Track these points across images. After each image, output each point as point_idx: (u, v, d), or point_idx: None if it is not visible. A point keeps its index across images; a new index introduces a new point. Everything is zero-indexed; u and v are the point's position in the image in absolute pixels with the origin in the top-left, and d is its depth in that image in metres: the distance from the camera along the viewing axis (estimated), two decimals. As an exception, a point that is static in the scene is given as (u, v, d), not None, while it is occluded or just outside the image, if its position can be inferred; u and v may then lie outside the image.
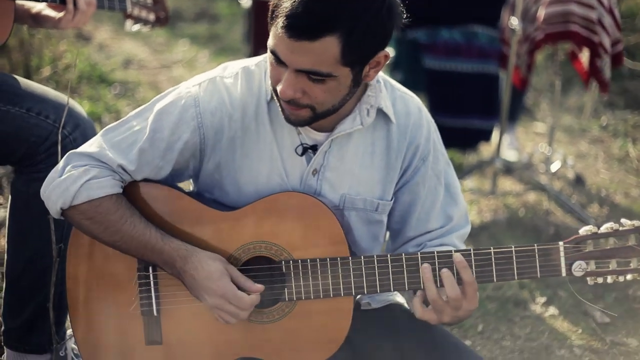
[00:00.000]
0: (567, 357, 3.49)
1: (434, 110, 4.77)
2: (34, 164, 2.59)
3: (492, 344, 3.57)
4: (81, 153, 2.27)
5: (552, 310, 3.81)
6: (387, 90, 2.37)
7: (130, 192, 2.30)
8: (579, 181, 5.19)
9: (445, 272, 2.19)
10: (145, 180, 2.31)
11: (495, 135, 5.05)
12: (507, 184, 5.11)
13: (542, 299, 3.88)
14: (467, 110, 4.82)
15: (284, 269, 2.26)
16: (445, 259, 2.21)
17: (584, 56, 4.85)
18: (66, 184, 2.22)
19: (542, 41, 4.75)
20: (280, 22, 2.04)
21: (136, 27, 3.15)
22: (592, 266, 2.21)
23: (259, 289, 2.21)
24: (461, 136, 4.86)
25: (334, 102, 2.18)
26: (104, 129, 2.31)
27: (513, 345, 3.56)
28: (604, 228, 2.20)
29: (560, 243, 2.19)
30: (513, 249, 2.19)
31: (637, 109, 6.56)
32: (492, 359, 3.47)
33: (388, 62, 2.19)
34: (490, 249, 2.20)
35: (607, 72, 4.71)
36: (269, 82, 2.23)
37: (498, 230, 4.52)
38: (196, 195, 2.36)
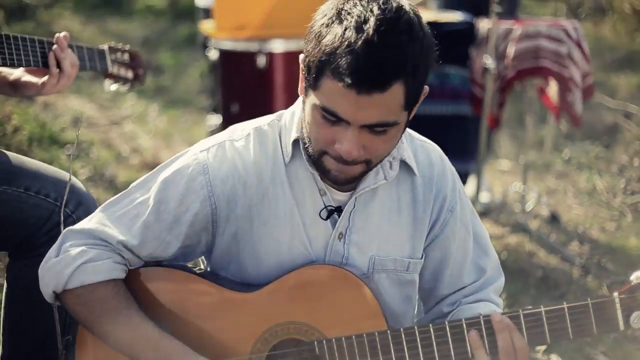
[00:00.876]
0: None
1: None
2: (34, 248, 2.34)
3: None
4: (79, 230, 2.06)
5: (555, 358, 3.67)
6: (407, 140, 2.23)
7: (133, 277, 2.09)
8: (554, 219, 5.10)
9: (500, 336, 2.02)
10: (150, 264, 2.10)
11: (470, 178, 4.94)
12: (486, 226, 4.98)
13: (542, 347, 3.74)
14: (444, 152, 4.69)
15: (317, 351, 2.07)
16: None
17: (552, 90, 4.81)
18: (60, 266, 2.01)
19: (513, 78, 4.69)
20: (342, 77, 1.85)
21: (115, 86, 2.96)
22: (649, 315, 2.07)
23: None
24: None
25: (390, 150, 2.03)
26: (105, 203, 2.10)
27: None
28: (661, 276, 2.07)
29: (615, 294, 2.04)
30: (565, 306, 2.04)
31: (596, 140, 6.55)
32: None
33: None
34: (540, 308, 2.04)
35: (579, 106, 4.67)
36: (289, 141, 2.08)
37: (485, 276, 4.37)
38: (210, 275, 2.15)
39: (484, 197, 5.12)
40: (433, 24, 4.73)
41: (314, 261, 2.14)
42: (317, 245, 2.14)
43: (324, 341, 2.06)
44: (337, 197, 2.15)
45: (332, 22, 1.88)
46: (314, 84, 1.90)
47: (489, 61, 4.53)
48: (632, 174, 5.89)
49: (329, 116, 1.90)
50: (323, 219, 2.13)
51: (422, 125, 4.68)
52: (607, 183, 5.78)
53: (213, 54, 4.57)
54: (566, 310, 2.04)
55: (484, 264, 2.27)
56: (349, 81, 1.83)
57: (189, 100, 6.80)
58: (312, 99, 1.92)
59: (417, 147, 2.25)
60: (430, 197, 2.23)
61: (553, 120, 5.74)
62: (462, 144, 4.74)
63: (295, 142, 2.10)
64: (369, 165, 2.02)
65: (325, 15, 1.91)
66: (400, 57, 1.85)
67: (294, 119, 2.12)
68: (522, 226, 4.84)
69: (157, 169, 2.14)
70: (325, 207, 2.13)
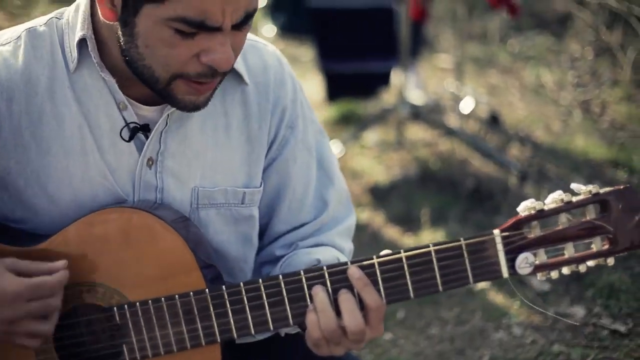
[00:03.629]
0: (505, 341, 2.92)
1: (324, 56, 4.18)
2: None
3: (417, 334, 2.98)
4: None
5: (483, 283, 3.21)
6: None
7: None
8: (494, 120, 4.62)
9: (344, 296, 1.55)
10: None
11: (396, 77, 4.44)
12: (415, 132, 4.50)
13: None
14: (362, 52, 4.23)
15: (117, 318, 1.59)
16: (339, 276, 1.57)
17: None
18: None
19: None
20: None
21: None
22: (541, 257, 1.60)
23: (61, 264, 1.56)
24: (357, 83, 4.28)
25: None
26: None
27: (441, 332, 2.97)
28: (551, 201, 1.58)
29: (496, 232, 1.56)
30: (432, 249, 1.56)
31: (546, 30, 6.04)
32: (419, 353, 2.87)
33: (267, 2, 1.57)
34: (400, 252, 1.56)
35: (516, -8, 4.16)
36: (74, 42, 1.62)
37: (410, 189, 3.93)
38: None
39: (417, 98, 4.62)
40: None
41: (120, 197, 1.66)
42: (120, 175, 1.67)
43: (126, 306, 1.59)
44: (142, 112, 1.67)
45: None
46: None
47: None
48: (584, 67, 5.41)
49: (190, 28, 1.49)
50: (125, 140, 1.65)
51: (338, 21, 4.24)
52: (556, 77, 5.29)
53: None
54: (433, 254, 1.56)
55: (328, 196, 1.81)
56: None
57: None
58: (152, 15, 1.49)
59: (246, 47, 1.75)
60: (266, 109, 1.77)
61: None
62: (385, 39, 4.23)
63: (81, 43, 1.62)
64: (223, 75, 1.59)
65: None
66: None
67: (78, 14, 1.63)
68: (456, 130, 4.36)
69: None
70: (127, 124, 1.65)
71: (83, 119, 1.63)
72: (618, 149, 4.36)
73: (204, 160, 1.71)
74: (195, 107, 1.61)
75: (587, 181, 3.99)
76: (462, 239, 1.57)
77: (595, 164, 4.21)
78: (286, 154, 1.79)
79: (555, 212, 1.59)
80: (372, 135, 4.38)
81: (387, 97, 4.71)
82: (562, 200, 1.59)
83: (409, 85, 4.52)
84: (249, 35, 1.74)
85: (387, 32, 4.27)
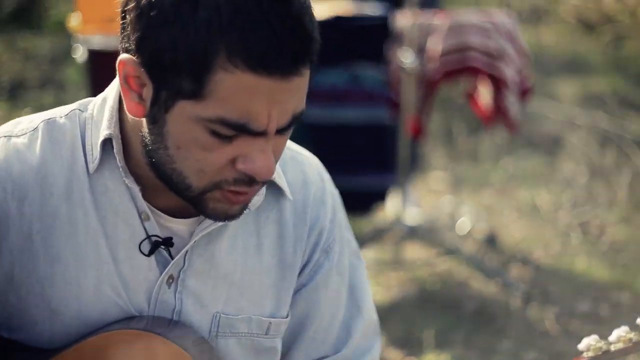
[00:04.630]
0: None
1: (319, 170, 4.01)
2: None
3: None
4: None
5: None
6: None
7: None
8: (491, 240, 4.48)
9: None
10: None
11: (391, 194, 4.33)
12: (412, 251, 4.34)
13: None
14: (357, 168, 4.09)
15: None
16: None
17: (483, 94, 4.23)
18: None
19: (438, 81, 4.08)
20: (257, 60, 1.26)
21: None
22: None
23: None
24: (353, 199, 4.09)
25: None
26: None
27: None
28: (617, 339, 1.41)
29: None
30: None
31: (537, 152, 5.99)
32: None
33: None
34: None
35: (515, 109, 4.08)
36: (98, 140, 1.43)
37: (410, 310, 3.75)
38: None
39: (411, 218, 4.48)
40: (342, 18, 4.26)
41: (133, 315, 1.46)
42: (135, 291, 1.47)
43: None
44: (166, 224, 1.48)
45: None
46: (194, 90, 1.27)
47: (405, 59, 3.90)
48: (580, 188, 5.32)
49: (230, 131, 1.29)
50: (145, 254, 1.45)
51: (331, 134, 4.14)
52: (552, 198, 5.19)
53: (81, 55, 3.84)
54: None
55: (354, 328, 1.62)
56: (269, 62, 1.25)
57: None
58: (187, 113, 1.29)
59: (286, 158, 1.58)
60: (303, 230, 1.58)
61: (494, 129, 5.17)
62: (380, 155, 4.12)
63: (106, 143, 1.43)
64: (263, 183, 1.41)
65: None
66: (310, 18, 1.29)
67: (104, 108, 1.45)
68: (455, 249, 4.22)
69: None
70: (148, 236, 1.45)
71: (100, 225, 1.44)
72: (621, 270, 4.23)
73: (231, 283, 1.52)
74: (228, 217, 1.41)
75: (594, 304, 3.85)
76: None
77: (599, 286, 4.07)
78: (318, 280, 1.60)
79: (624, 353, 1.42)
80: (368, 254, 4.22)
81: (382, 215, 4.58)
82: (630, 339, 1.42)
83: (405, 203, 4.40)
84: (289, 144, 1.57)
85: (382, 148, 4.17)
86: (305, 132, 4.05)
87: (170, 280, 1.48)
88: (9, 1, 9.24)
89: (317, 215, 1.58)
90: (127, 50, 1.33)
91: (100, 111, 1.46)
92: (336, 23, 4.05)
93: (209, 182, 1.34)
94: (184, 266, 1.48)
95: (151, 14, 1.28)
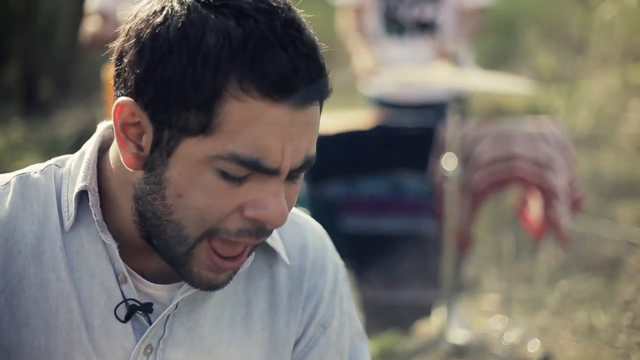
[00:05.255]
0: None
1: (359, 285, 3.87)
2: None
3: None
4: None
5: None
6: None
7: None
8: (546, 361, 4.24)
9: None
10: None
11: (437, 310, 4.14)
12: (461, 373, 4.11)
13: None
14: (400, 282, 3.93)
15: None
16: None
17: (533, 208, 4.07)
18: None
19: (485, 191, 3.94)
20: (273, 86, 1.17)
21: None
22: None
23: None
24: (395, 314, 3.96)
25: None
26: None
27: None
28: None
29: None
30: None
31: (595, 274, 5.74)
32: None
33: None
34: None
35: (566, 221, 3.91)
36: (72, 195, 1.33)
37: None
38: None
39: (457, 335, 4.27)
40: (384, 127, 4.19)
41: None
42: None
43: None
44: (146, 289, 1.36)
45: (198, 15, 1.20)
46: (201, 124, 1.18)
47: (449, 167, 3.78)
48: (639, 308, 5.05)
49: (241, 169, 1.20)
50: (121, 320, 1.33)
51: (373, 245, 4.01)
52: (610, 319, 4.93)
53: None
54: None
55: None
56: (284, 87, 1.17)
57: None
58: (193, 153, 1.20)
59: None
60: (298, 301, 1.45)
61: (545, 249, 5.00)
62: (423, 268, 3.96)
63: (82, 196, 1.33)
64: (255, 247, 1.33)
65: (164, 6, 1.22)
66: (321, 52, 1.24)
67: (81, 163, 1.36)
68: (505, 371, 3.98)
69: None
70: (124, 300, 1.33)
71: (73, 288, 1.32)
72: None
73: (215, 357, 1.38)
74: (213, 287, 1.30)
75: None
76: None
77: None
78: (313, 357, 1.46)
79: None
80: (413, 373, 4.02)
81: (426, 332, 4.38)
82: None
83: (450, 319, 4.20)
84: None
85: (426, 261, 4.03)
86: (345, 243, 3.93)
87: (149, 350, 1.34)
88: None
89: (315, 284, 1.45)
90: (124, 96, 1.24)
91: (77, 166, 1.36)
92: (378, 132, 3.98)
93: (207, 230, 1.23)
94: (164, 335, 1.35)
95: (154, 45, 1.19)
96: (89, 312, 1.32)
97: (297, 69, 1.17)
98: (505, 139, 3.94)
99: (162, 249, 1.27)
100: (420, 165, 4.01)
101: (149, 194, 1.24)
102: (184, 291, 1.34)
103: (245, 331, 1.40)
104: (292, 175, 1.25)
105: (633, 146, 8.83)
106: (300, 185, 1.28)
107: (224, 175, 1.19)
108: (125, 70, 1.23)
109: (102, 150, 1.35)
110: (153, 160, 1.22)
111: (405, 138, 3.97)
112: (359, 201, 3.92)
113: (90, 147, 1.36)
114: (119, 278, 1.33)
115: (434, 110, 4.22)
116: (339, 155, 3.80)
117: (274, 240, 1.43)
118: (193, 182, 1.20)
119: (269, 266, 1.43)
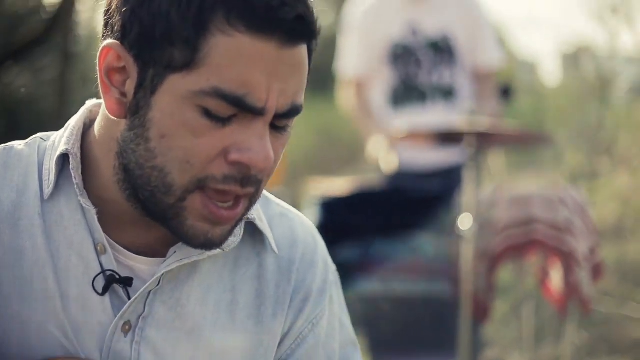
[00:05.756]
0: None
1: (374, 349, 3.76)
2: None
3: None
4: None
5: None
6: (260, 199, 1.39)
7: None
8: None
9: None
10: None
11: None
12: None
13: None
14: (415, 346, 3.83)
15: None
16: None
17: (554, 277, 3.96)
18: None
19: (502, 255, 3.85)
20: (261, 19, 1.16)
21: None
22: None
23: None
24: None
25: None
26: None
27: None
28: None
29: None
30: None
31: (622, 355, 5.59)
32: None
33: None
34: None
35: (587, 287, 3.80)
36: (54, 162, 1.29)
37: None
38: None
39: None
40: (401, 189, 4.13)
41: None
42: (86, 336, 1.28)
43: None
44: (127, 261, 1.30)
45: None
46: (186, 59, 1.17)
47: (464, 227, 3.70)
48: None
49: (225, 106, 1.17)
50: (98, 292, 1.28)
51: (388, 309, 3.91)
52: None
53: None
54: None
55: None
56: (272, 22, 1.16)
57: None
58: (177, 89, 1.18)
59: (274, 214, 1.43)
60: (286, 292, 1.39)
61: (568, 329, 4.86)
62: (440, 333, 3.85)
63: (64, 160, 1.29)
64: (251, 202, 1.27)
65: None
66: None
67: (66, 132, 1.33)
68: None
69: None
70: (103, 271, 1.28)
71: (49, 257, 1.28)
72: None
73: (197, 340, 1.32)
74: (208, 242, 1.24)
75: None
76: None
77: None
78: (301, 356, 1.39)
79: None
80: None
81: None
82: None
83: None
84: (279, 203, 1.43)
85: (442, 326, 3.91)
86: (361, 306, 3.85)
87: (127, 328, 1.29)
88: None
89: (303, 277, 1.40)
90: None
91: (61, 138, 1.33)
92: (392, 193, 3.93)
93: (194, 177, 1.19)
94: (143, 312, 1.29)
95: None
96: (65, 282, 1.28)
97: (284, 3, 1.16)
98: (523, 202, 3.86)
99: (150, 203, 1.23)
100: (436, 228, 3.94)
101: (133, 140, 1.21)
102: (167, 265, 1.29)
103: (230, 318, 1.34)
104: (278, 125, 1.23)
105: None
106: (288, 138, 1.25)
107: (208, 113, 1.17)
108: (112, 16, 1.23)
109: (88, 125, 1.33)
110: (137, 102, 1.20)
111: (421, 200, 3.92)
112: (373, 264, 3.85)
113: (75, 117, 1.35)
114: (98, 248, 1.28)
115: (451, 174, 4.16)
116: (352, 218, 3.75)
117: (263, 223, 1.38)
118: (177, 120, 1.17)
119: (257, 254, 1.38)
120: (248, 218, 1.34)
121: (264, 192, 1.42)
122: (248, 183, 1.22)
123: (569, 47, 13.13)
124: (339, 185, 4.10)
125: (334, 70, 4.70)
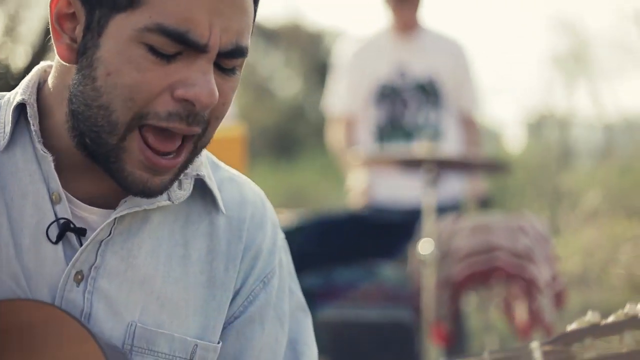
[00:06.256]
0: None
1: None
2: None
3: None
4: None
5: None
6: (209, 163, 1.44)
7: None
8: None
9: None
10: None
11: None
12: None
13: None
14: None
15: None
16: None
17: (517, 308, 3.98)
18: None
19: (464, 282, 3.86)
20: None
21: None
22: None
23: None
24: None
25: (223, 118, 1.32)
26: None
27: None
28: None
29: (535, 344, 1.20)
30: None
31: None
32: None
33: None
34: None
35: (549, 313, 3.81)
36: (10, 111, 1.33)
37: None
38: None
39: None
40: (361, 217, 4.15)
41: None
42: (38, 285, 1.29)
43: None
44: (81, 212, 1.32)
45: None
46: None
47: (425, 251, 3.71)
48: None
49: (168, 43, 1.20)
50: (52, 241, 1.29)
51: (350, 334, 3.90)
52: None
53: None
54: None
55: None
56: None
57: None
58: (122, 28, 1.21)
59: (223, 177, 1.45)
60: (237, 249, 1.41)
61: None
62: (403, 359, 3.84)
63: (20, 110, 1.32)
64: (195, 148, 1.29)
65: None
66: None
67: (20, 88, 1.35)
68: None
69: None
70: (57, 220, 1.29)
71: (4, 207, 1.29)
72: None
73: (150, 290, 1.33)
74: (147, 190, 1.26)
75: None
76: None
77: None
78: (253, 313, 1.42)
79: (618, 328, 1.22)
80: None
81: None
82: (626, 314, 1.23)
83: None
84: (229, 169, 1.45)
85: (405, 351, 3.90)
86: (324, 333, 3.82)
87: (80, 277, 1.30)
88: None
89: (254, 237, 1.43)
90: None
91: (16, 94, 1.35)
92: (353, 221, 3.95)
93: (135, 113, 1.21)
94: (95, 262, 1.29)
95: None
96: (18, 231, 1.28)
97: None
98: (484, 230, 3.89)
99: (95, 145, 1.25)
100: (397, 254, 3.96)
101: (81, 82, 1.23)
102: (117, 212, 1.30)
103: (182, 271, 1.36)
104: (225, 67, 1.25)
105: (623, 284, 8.82)
106: (237, 83, 1.27)
107: (153, 50, 1.20)
108: None
109: (42, 83, 1.36)
110: (85, 44, 1.23)
111: (381, 227, 3.95)
112: (334, 290, 3.85)
113: (29, 75, 1.37)
114: (53, 197, 1.30)
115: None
116: (313, 246, 3.75)
117: (212, 182, 1.40)
118: (122, 58, 1.20)
119: (207, 212, 1.40)
120: (198, 175, 1.36)
121: (214, 159, 1.44)
122: (194, 121, 1.24)
123: (532, 115, 13.39)
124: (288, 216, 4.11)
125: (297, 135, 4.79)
